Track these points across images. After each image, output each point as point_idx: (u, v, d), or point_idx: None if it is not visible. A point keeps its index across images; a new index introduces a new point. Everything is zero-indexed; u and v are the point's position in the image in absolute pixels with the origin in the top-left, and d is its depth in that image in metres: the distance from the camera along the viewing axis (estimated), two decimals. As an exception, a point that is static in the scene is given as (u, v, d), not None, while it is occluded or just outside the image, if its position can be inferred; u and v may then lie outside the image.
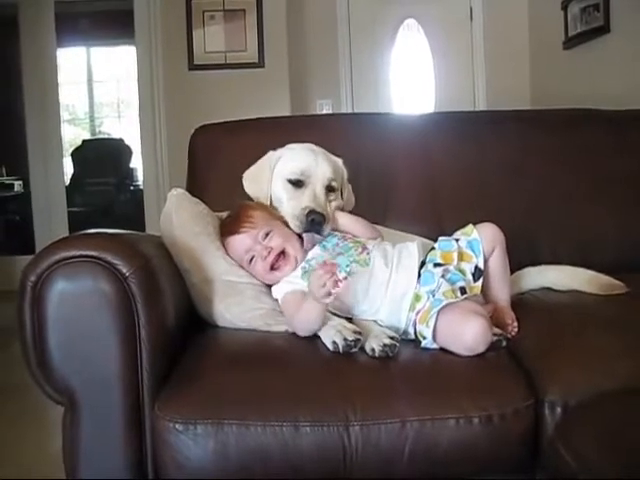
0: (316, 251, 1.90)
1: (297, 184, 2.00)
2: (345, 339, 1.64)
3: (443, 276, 1.76)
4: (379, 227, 2.06)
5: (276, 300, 1.88)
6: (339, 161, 2.12)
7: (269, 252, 1.87)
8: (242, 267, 1.93)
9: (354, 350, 1.64)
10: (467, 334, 1.62)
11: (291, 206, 1.96)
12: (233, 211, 2.03)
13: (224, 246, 1.95)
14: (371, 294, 1.79)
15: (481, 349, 1.63)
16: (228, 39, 5.67)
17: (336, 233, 1.95)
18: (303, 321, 1.74)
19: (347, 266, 1.81)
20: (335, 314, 1.77)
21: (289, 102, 5.65)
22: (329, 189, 2.01)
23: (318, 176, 2.00)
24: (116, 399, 1.58)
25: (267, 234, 1.89)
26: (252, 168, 2.12)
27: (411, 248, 1.88)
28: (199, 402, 1.52)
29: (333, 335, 1.66)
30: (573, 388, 1.54)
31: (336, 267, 1.80)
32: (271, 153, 2.09)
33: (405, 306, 1.77)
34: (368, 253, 1.85)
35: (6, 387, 3.50)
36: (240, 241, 1.91)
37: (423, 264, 1.83)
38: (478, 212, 2.06)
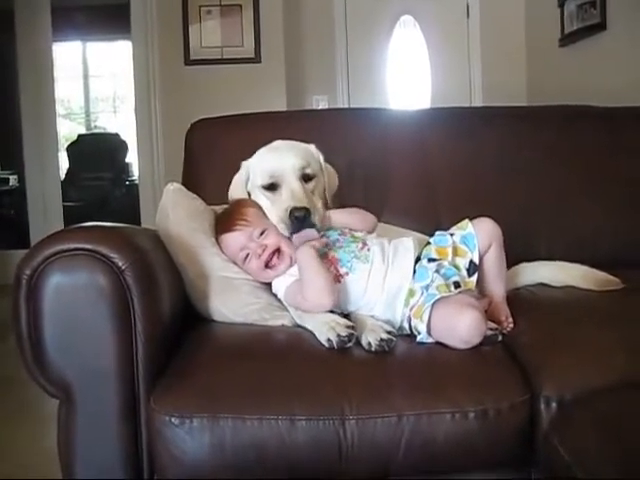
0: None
1: (272, 188, 1.98)
2: (339, 335, 1.64)
3: (437, 271, 1.76)
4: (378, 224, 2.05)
5: (275, 295, 1.88)
6: (310, 147, 2.09)
7: (264, 250, 1.86)
8: (236, 264, 1.93)
9: (349, 345, 1.64)
10: (461, 326, 1.62)
11: (274, 211, 1.94)
12: (228, 208, 2.03)
13: (218, 243, 1.94)
14: (369, 290, 1.79)
15: (476, 341, 1.63)
16: (224, 34, 5.67)
17: (335, 228, 1.94)
18: (312, 291, 1.74)
19: (348, 262, 1.81)
20: (330, 310, 1.77)
21: (285, 97, 5.64)
22: (305, 178, 1.99)
23: (288, 171, 1.97)
24: (112, 392, 1.58)
25: (262, 232, 1.89)
26: (231, 187, 2.12)
27: (407, 244, 1.88)
28: (195, 396, 1.52)
29: (326, 332, 1.66)
30: (568, 383, 1.55)
31: (337, 262, 1.80)
32: (242, 166, 2.09)
33: (400, 301, 1.77)
34: (369, 249, 1.85)
35: (0, 381, 3.49)
36: (234, 239, 1.91)
37: (418, 259, 1.83)
38: (474, 207, 2.06)
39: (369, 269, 1.80)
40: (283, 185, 1.96)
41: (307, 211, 1.89)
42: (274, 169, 1.98)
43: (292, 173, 1.97)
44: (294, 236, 1.87)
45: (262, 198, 2.00)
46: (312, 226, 1.88)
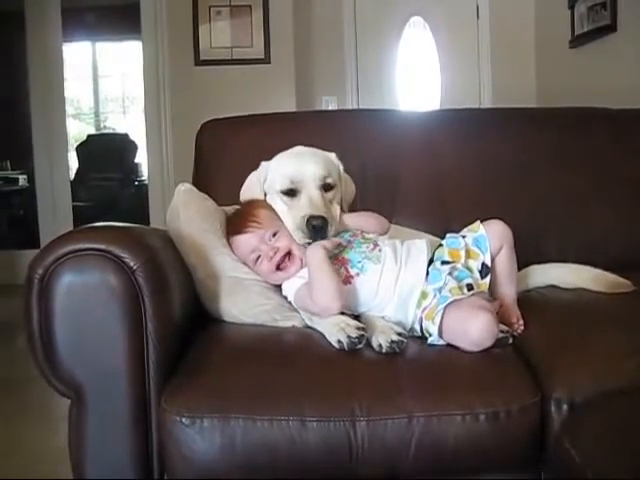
0: None
1: (291, 193, 1.96)
2: (349, 336, 1.64)
3: (450, 273, 1.76)
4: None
5: (285, 297, 1.88)
6: (331, 155, 2.08)
7: (275, 253, 1.86)
8: (247, 265, 1.93)
9: (359, 346, 1.63)
10: (473, 329, 1.62)
11: (291, 217, 1.93)
12: (239, 209, 2.03)
13: (230, 244, 1.94)
14: (381, 291, 1.78)
15: (487, 344, 1.63)
16: (234, 35, 5.68)
17: (347, 230, 1.94)
18: (321, 293, 1.73)
19: (359, 262, 1.81)
20: (341, 312, 1.76)
21: (295, 98, 5.65)
22: (325, 188, 1.98)
23: (309, 178, 1.95)
24: (123, 392, 1.58)
25: (274, 234, 1.89)
26: (245, 185, 2.11)
27: (420, 245, 1.88)
28: (206, 396, 1.52)
29: (337, 333, 1.66)
30: (579, 386, 1.54)
31: (348, 262, 1.80)
32: (262, 165, 2.07)
33: (412, 303, 1.76)
34: (380, 250, 1.84)
35: (10, 381, 3.50)
36: (246, 241, 1.90)
37: (431, 262, 1.83)
38: (484, 209, 2.06)
39: (380, 269, 1.80)
40: (303, 192, 1.95)
41: (324, 221, 1.87)
42: (295, 175, 1.96)
43: (312, 181, 1.96)
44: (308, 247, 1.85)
45: (278, 202, 1.98)
46: (325, 237, 1.86)
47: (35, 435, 2.86)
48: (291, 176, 1.97)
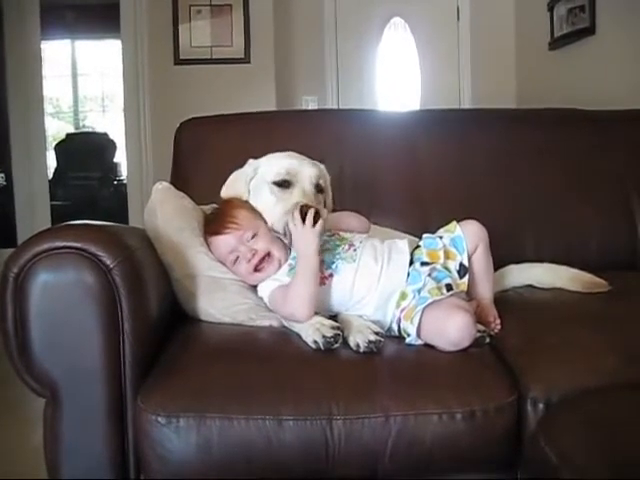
0: None
1: (284, 185, 1.96)
2: (324, 336, 1.63)
3: (429, 274, 1.76)
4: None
5: (261, 298, 1.87)
6: (322, 166, 2.08)
7: (254, 254, 1.86)
8: (224, 265, 1.92)
9: (336, 346, 1.63)
10: (451, 329, 1.62)
11: (280, 207, 1.91)
12: (217, 209, 2.02)
13: (207, 244, 1.93)
14: (358, 289, 1.78)
15: (465, 344, 1.63)
16: (214, 34, 5.67)
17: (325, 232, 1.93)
18: (294, 299, 1.72)
19: (333, 263, 1.81)
20: (318, 313, 1.76)
21: (275, 98, 5.64)
22: (318, 189, 1.98)
23: (305, 174, 1.96)
24: (98, 391, 1.57)
25: (253, 235, 1.88)
26: (229, 180, 2.08)
27: (401, 246, 1.88)
28: (182, 395, 1.51)
29: (312, 333, 1.66)
30: (555, 384, 1.55)
31: (322, 264, 1.80)
32: (249, 163, 2.06)
33: (392, 303, 1.77)
34: (355, 249, 1.84)
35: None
36: (224, 241, 1.89)
37: (411, 263, 1.83)
38: (463, 209, 2.07)
39: (355, 268, 1.79)
40: (297, 185, 1.95)
41: (317, 213, 1.80)
42: (292, 167, 1.97)
43: (308, 178, 1.96)
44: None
45: (266, 194, 1.97)
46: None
47: (10, 435, 2.83)
48: (288, 168, 1.97)
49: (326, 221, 1.84)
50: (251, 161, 2.06)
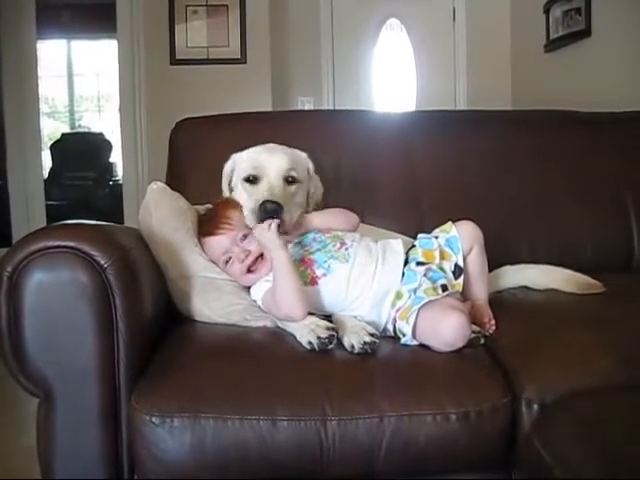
0: (292, 249, 1.86)
1: (253, 181, 1.96)
2: (319, 337, 1.63)
3: (425, 275, 1.76)
4: (361, 224, 2.04)
5: (254, 300, 1.87)
6: (302, 154, 2.08)
7: (247, 255, 1.86)
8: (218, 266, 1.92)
9: (330, 347, 1.63)
10: (445, 329, 1.62)
11: (250, 203, 1.92)
12: (211, 209, 2.02)
13: (201, 244, 1.93)
14: (352, 289, 1.78)
15: (460, 344, 1.63)
16: (210, 34, 5.66)
17: (311, 231, 1.92)
18: (282, 295, 1.72)
19: (325, 262, 1.81)
20: (312, 313, 1.76)
21: (271, 98, 5.63)
22: (289, 181, 1.97)
23: (272, 168, 1.96)
24: (92, 391, 1.57)
25: (245, 236, 1.88)
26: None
27: (395, 246, 1.88)
28: (176, 395, 1.51)
29: (307, 334, 1.66)
30: (550, 385, 1.55)
31: (314, 263, 1.80)
32: (231, 157, 2.08)
33: (387, 303, 1.77)
34: (347, 248, 1.83)
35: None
36: (218, 242, 1.89)
37: (406, 263, 1.83)
38: (458, 210, 2.07)
39: (349, 268, 1.79)
40: (263, 179, 1.95)
41: (279, 206, 1.84)
42: (258, 162, 1.97)
43: (275, 171, 1.96)
44: (255, 225, 1.85)
45: (241, 191, 1.99)
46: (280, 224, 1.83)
47: (3, 435, 2.83)
48: (254, 163, 1.98)
49: (291, 214, 1.86)
50: (233, 155, 2.08)
